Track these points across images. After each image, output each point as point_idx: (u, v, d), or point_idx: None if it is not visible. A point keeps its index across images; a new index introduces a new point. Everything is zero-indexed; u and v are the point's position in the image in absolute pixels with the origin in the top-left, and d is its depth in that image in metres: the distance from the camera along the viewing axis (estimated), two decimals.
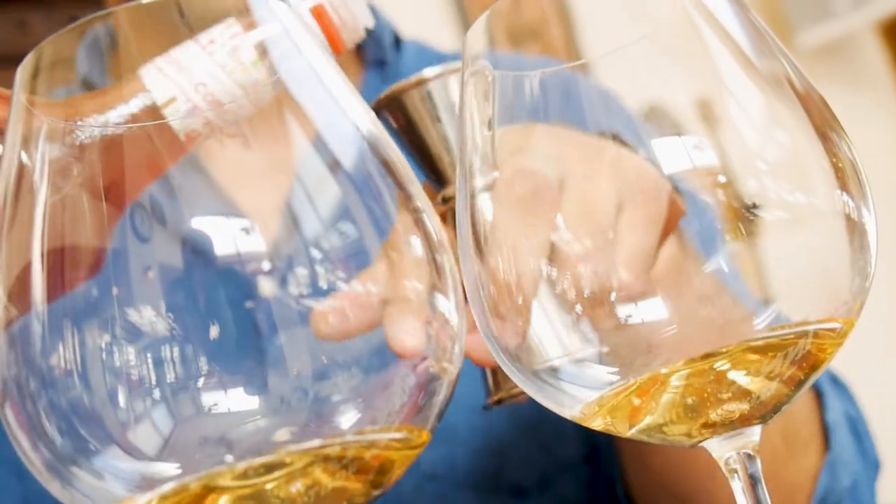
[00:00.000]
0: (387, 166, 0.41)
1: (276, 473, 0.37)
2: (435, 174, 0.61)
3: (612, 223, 0.44)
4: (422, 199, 0.42)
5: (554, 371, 0.43)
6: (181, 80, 0.46)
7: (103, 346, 0.36)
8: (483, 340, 0.45)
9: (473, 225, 0.45)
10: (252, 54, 0.46)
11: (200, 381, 0.36)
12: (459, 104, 0.47)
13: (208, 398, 0.36)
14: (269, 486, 0.37)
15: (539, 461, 0.86)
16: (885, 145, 3.02)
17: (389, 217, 0.40)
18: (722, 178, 0.41)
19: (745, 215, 0.41)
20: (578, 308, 0.42)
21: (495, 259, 0.44)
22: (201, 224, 0.38)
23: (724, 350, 0.41)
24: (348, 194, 0.39)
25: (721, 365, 0.41)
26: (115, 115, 0.45)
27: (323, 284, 0.37)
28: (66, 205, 0.39)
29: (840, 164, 0.42)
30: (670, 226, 0.44)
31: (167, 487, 0.37)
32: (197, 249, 0.37)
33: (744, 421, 0.42)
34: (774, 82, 0.43)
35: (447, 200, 0.60)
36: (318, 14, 0.53)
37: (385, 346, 0.38)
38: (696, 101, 0.43)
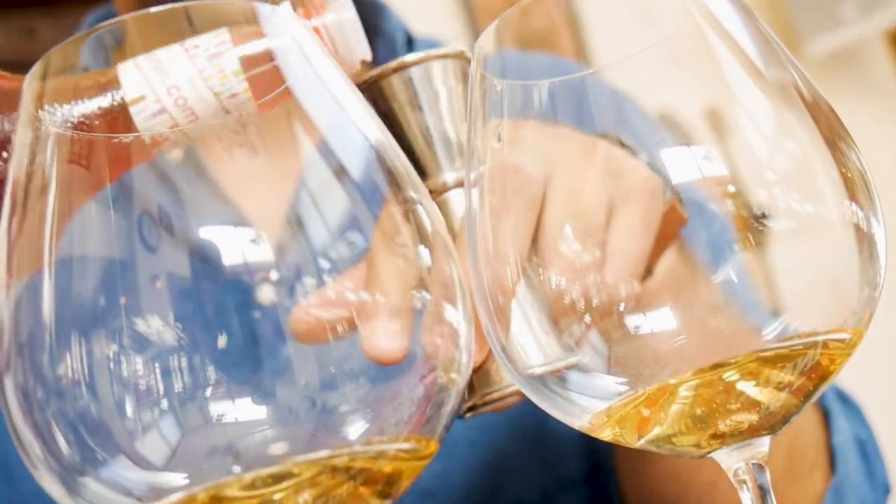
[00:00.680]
0: (394, 175, 0.41)
1: (284, 484, 0.37)
2: (412, 164, 0.60)
3: (600, 224, 0.43)
4: (430, 206, 0.41)
5: (562, 381, 0.43)
6: (155, 79, 0.45)
7: (111, 355, 0.36)
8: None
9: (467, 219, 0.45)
10: (234, 64, 0.46)
11: (208, 391, 0.36)
12: (468, 109, 0.47)
13: (216, 408, 0.36)
14: (276, 497, 0.37)
15: (538, 479, 0.85)
16: (894, 153, 3.02)
17: (404, 232, 0.40)
18: (731, 188, 0.41)
19: (754, 225, 0.41)
20: (558, 312, 0.42)
21: (482, 257, 0.44)
22: (209, 234, 0.38)
23: (733, 361, 0.40)
24: (356, 203, 0.39)
25: (730, 375, 0.40)
26: (85, 107, 0.44)
27: (343, 301, 0.37)
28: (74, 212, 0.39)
29: (849, 174, 0.42)
30: (670, 234, 0.43)
31: (175, 497, 0.37)
32: (205, 259, 0.37)
33: (753, 432, 0.42)
34: (783, 92, 0.43)
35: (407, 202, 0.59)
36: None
37: None
38: (705, 110, 0.43)
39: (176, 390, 0.36)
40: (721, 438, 0.42)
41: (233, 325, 0.36)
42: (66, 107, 0.42)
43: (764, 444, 0.42)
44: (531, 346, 0.46)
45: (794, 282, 0.42)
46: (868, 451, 0.85)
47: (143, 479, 0.37)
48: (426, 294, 0.39)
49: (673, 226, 0.43)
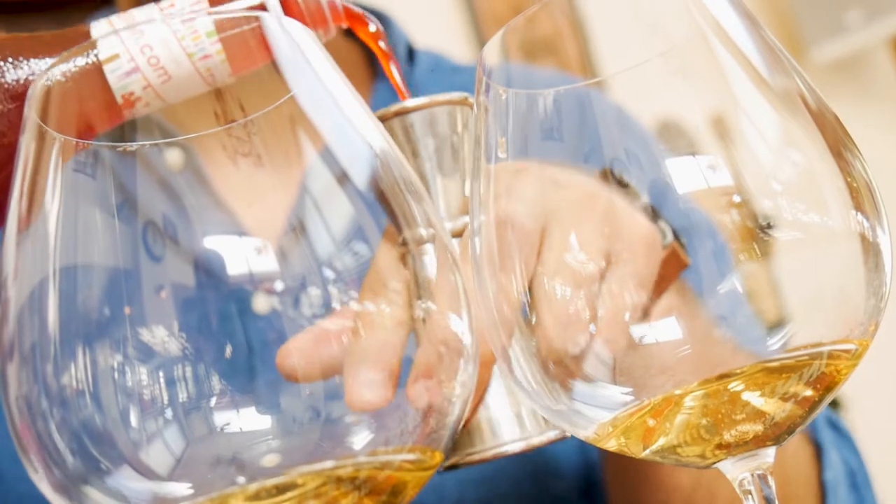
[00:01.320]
0: (398, 184, 0.41)
1: (289, 494, 0.37)
2: None
3: (594, 280, 0.43)
4: (435, 216, 0.41)
5: (567, 391, 0.42)
6: (128, 38, 0.45)
7: (115, 365, 0.36)
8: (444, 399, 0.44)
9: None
10: (208, 25, 0.45)
11: (212, 401, 0.36)
12: (475, 130, 0.46)
13: (220, 418, 0.36)
14: None
15: (533, 495, 0.84)
16: None
17: (402, 235, 0.40)
18: (736, 198, 0.41)
19: (759, 235, 0.41)
20: (551, 366, 0.42)
21: (481, 303, 0.44)
22: (213, 244, 0.38)
23: (738, 371, 0.40)
24: (361, 213, 0.39)
25: (735, 386, 0.40)
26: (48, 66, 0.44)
27: (336, 304, 0.37)
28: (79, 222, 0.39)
29: (854, 184, 0.42)
30: (670, 277, 0.43)
31: None
32: (209, 269, 0.37)
33: (758, 442, 0.41)
34: (788, 101, 0.43)
35: (406, 243, 0.58)
36: (286, 2, 0.51)
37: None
38: (709, 120, 0.43)
39: (180, 400, 0.36)
40: (726, 449, 0.42)
41: (237, 335, 0.36)
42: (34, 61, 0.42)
43: (769, 454, 0.42)
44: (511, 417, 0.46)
45: (799, 292, 0.42)
46: (858, 482, 0.85)
47: (147, 489, 0.37)
48: (430, 305, 0.39)
49: (673, 270, 0.43)
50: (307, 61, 0.42)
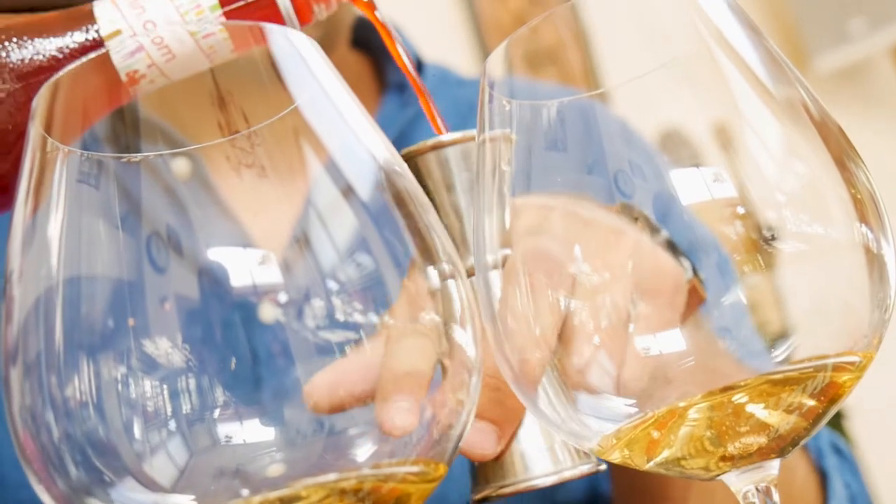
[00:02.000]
0: (402, 196, 0.40)
1: None
2: None
3: (624, 320, 0.43)
4: (438, 229, 0.41)
5: (572, 402, 0.42)
6: (131, 15, 0.45)
7: (119, 376, 0.36)
8: (477, 432, 0.44)
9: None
10: (212, 1, 0.45)
11: (216, 413, 0.36)
12: (476, 166, 0.46)
13: (224, 430, 0.36)
14: None
15: None
16: None
17: (406, 247, 0.40)
18: (740, 210, 0.41)
19: (763, 247, 0.41)
20: (582, 402, 0.42)
21: (505, 339, 0.44)
22: (217, 255, 0.38)
23: (742, 383, 0.40)
24: (365, 225, 0.39)
25: (740, 398, 0.40)
26: (52, 45, 0.44)
27: (339, 316, 0.37)
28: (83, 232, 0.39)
29: (859, 196, 0.42)
30: (688, 312, 0.43)
31: None
32: (213, 280, 0.37)
33: (762, 454, 0.41)
34: (792, 112, 0.43)
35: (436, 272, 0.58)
36: None
37: None
38: (713, 131, 0.43)
39: (184, 412, 0.36)
40: (730, 461, 0.41)
41: (241, 347, 0.36)
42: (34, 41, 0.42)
43: (773, 466, 0.42)
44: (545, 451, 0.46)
45: (803, 304, 0.42)
46: None
47: (151, 500, 0.37)
48: (436, 317, 0.39)
49: (691, 305, 0.43)
50: (311, 72, 0.42)
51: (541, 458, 0.54)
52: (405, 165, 0.42)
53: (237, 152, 0.41)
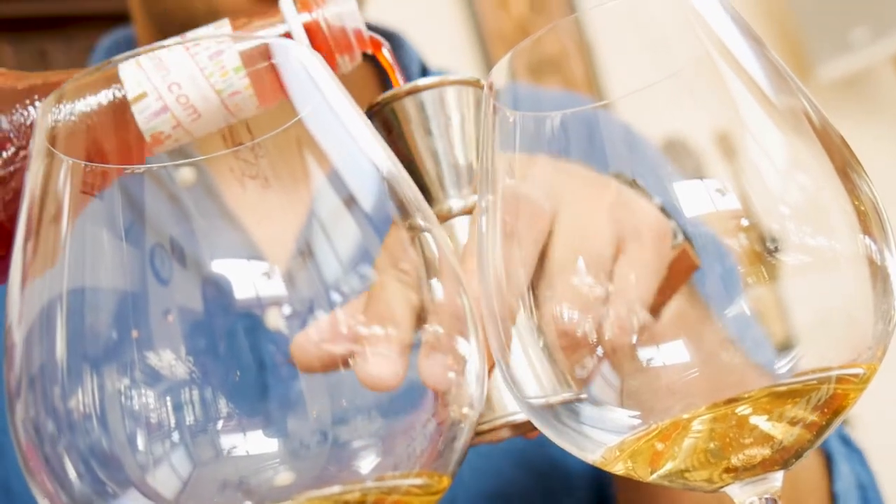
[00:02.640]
0: (404, 205, 0.41)
1: None
2: (419, 188, 0.58)
3: (606, 260, 0.43)
4: (442, 237, 0.41)
5: (575, 414, 0.42)
6: (156, 77, 0.45)
7: (122, 388, 0.36)
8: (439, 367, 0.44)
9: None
10: (235, 60, 0.46)
11: (220, 425, 0.36)
12: (481, 137, 0.46)
13: (228, 442, 0.36)
14: None
15: None
16: None
17: (410, 258, 0.40)
18: (744, 222, 0.41)
19: (766, 259, 0.41)
20: (562, 344, 0.42)
21: (491, 284, 0.44)
22: (221, 267, 0.38)
23: (746, 395, 0.40)
24: (368, 236, 0.39)
25: (743, 410, 0.40)
26: (83, 104, 0.44)
27: (342, 328, 0.37)
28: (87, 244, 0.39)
29: (862, 207, 0.42)
30: (680, 279, 0.43)
31: None
32: (217, 292, 0.37)
33: (766, 466, 0.41)
34: (795, 124, 0.43)
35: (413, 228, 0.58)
36: (311, 30, 0.52)
37: (406, 391, 0.38)
38: (716, 143, 0.43)
39: (187, 424, 0.36)
40: (734, 473, 0.41)
41: (244, 359, 0.36)
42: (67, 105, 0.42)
43: (777, 478, 0.42)
44: (529, 378, 0.45)
45: (807, 316, 0.42)
46: (869, 498, 0.84)
47: None
48: (437, 327, 0.39)
49: (683, 271, 0.43)
50: (314, 84, 0.42)
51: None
52: (408, 175, 0.42)
53: (241, 164, 0.41)
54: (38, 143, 0.41)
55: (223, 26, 0.51)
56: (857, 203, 0.42)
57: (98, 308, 0.37)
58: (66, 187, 0.39)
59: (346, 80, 0.43)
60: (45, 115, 0.41)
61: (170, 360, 0.36)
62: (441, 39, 2.37)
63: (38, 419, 0.37)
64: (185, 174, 0.41)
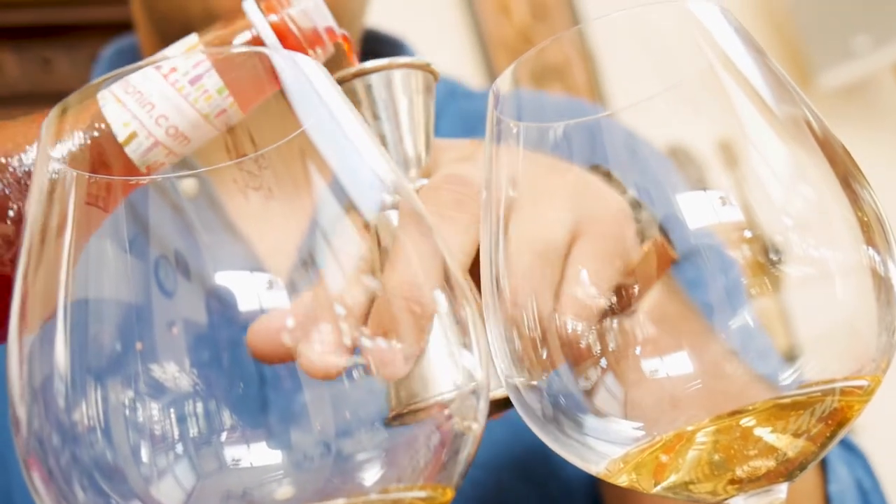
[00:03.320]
0: (409, 216, 0.41)
1: None
2: None
3: (560, 249, 0.43)
4: (445, 249, 0.41)
5: (578, 425, 0.42)
6: (142, 113, 0.45)
7: (126, 401, 0.36)
8: (385, 352, 0.44)
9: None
10: (217, 82, 0.46)
11: (223, 437, 0.36)
12: (486, 146, 0.46)
13: (231, 454, 0.36)
14: None
15: None
16: None
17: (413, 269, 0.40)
18: (746, 233, 0.41)
19: (769, 270, 0.41)
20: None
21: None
22: (225, 279, 0.38)
23: (750, 407, 0.40)
24: (371, 248, 0.39)
25: (747, 422, 0.40)
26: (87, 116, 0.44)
27: (347, 340, 0.37)
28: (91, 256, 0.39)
29: (865, 218, 0.42)
30: (656, 272, 0.42)
31: None
32: (220, 304, 0.37)
33: (770, 478, 0.41)
34: (798, 134, 0.43)
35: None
36: (280, 31, 0.52)
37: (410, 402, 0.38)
38: (718, 153, 0.43)
39: (191, 436, 0.36)
40: (738, 485, 0.41)
41: (248, 371, 0.36)
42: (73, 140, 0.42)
43: (781, 490, 0.42)
44: (446, 365, 0.45)
45: (811, 328, 0.42)
46: (871, 501, 0.83)
47: None
48: (440, 338, 0.39)
49: (659, 264, 0.42)
50: (318, 96, 0.42)
51: (448, 374, 0.53)
52: (411, 188, 0.42)
53: (244, 175, 0.41)
54: (42, 155, 0.41)
55: (192, 41, 0.50)
56: (860, 214, 0.42)
57: (102, 320, 0.37)
58: (70, 198, 0.39)
59: None
60: (49, 127, 0.41)
61: (174, 373, 0.36)
62: (443, 46, 2.37)
63: (41, 431, 0.37)
64: (189, 186, 0.41)
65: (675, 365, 0.41)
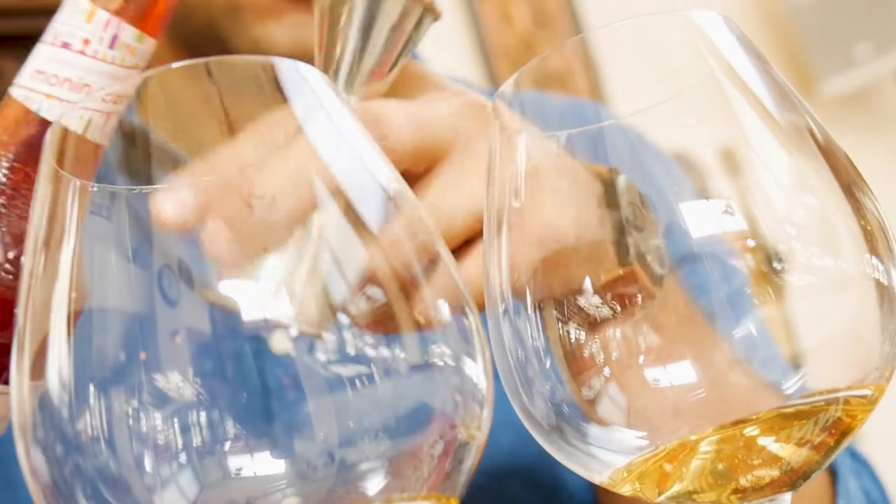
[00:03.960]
0: (412, 225, 0.41)
1: None
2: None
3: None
4: (448, 257, 0.41)
5: (582, 435, 0.42)
6: (82, 98, 0.45)
7: (130, 410, 0.36)
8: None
9: None
10: (132, 32, 0.46)
11: (227, 446, 0.36)
12: (489, 158, 0.46)
13: (234, 463, 0.36)
14: None
15: None
16: None
17: (416, 278, 0.40)
18: (750, 242, 0.41)
19: (772, 279, 0.41)
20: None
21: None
22: (228, 288, 0.38)
23: (754, 416, 0.40)
24: (375, 256, 0.39)
25: (751, 431, 0.40)
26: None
27: (350, 350, 0.37)
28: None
29: (868, 227, 0.42)
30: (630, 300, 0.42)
31: None
32: (224, 313, 0.37)
33: (774, 488, 0.41)
34: (801, 143, 0.43)
35: None
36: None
37: (413, 412, 0.38)
38: (720, 161, 0.43)
39: (194, 445, 0.36)
40: (742, 494, 0.41)
41: (251, 380, 0.36)
42: None
43: (785, 500, 0.42)
44: None
45: (814, 337, 0.42)
46: None
47: None
48: (444, 348, 0.39)
49: (636, 290, 0.42)
50: (320, 103, 0.42)
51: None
52: (413, 195, 0.42)
53: (247, 183, 0.41)
54: (46, 165, 0.41)
55: (85, 6, 0.49)
56: (863, 223, 0.42)
57: (105, 329, 0.37)
58: (75, 208, 0.39)
59: None
60: (52, 135, 0.41)
61: (177, 382, 0.36)
62: (445, 53, 2.38)
63: (45, 442, 0.37)
64: None
65: (678, 374, 0.41)
